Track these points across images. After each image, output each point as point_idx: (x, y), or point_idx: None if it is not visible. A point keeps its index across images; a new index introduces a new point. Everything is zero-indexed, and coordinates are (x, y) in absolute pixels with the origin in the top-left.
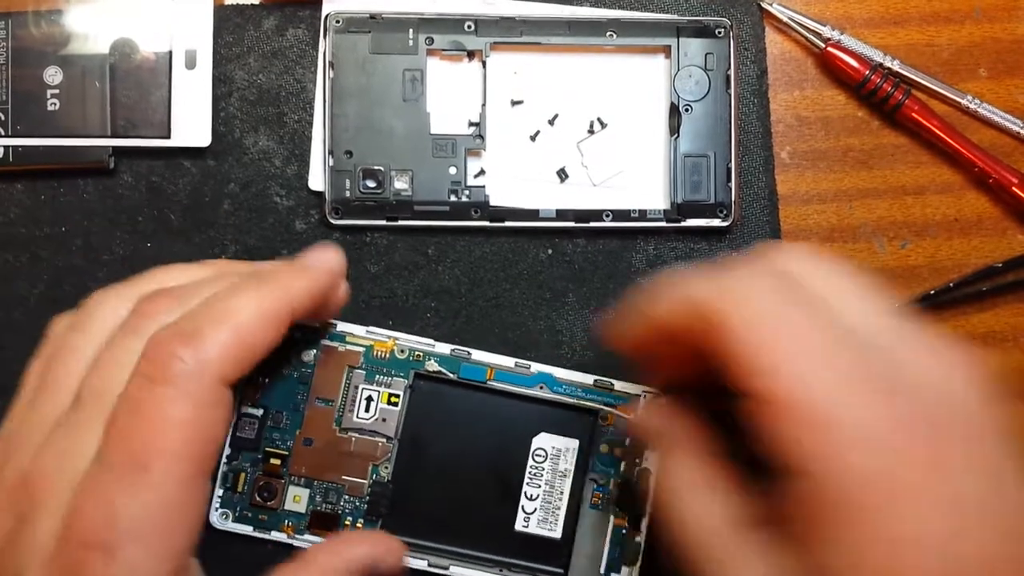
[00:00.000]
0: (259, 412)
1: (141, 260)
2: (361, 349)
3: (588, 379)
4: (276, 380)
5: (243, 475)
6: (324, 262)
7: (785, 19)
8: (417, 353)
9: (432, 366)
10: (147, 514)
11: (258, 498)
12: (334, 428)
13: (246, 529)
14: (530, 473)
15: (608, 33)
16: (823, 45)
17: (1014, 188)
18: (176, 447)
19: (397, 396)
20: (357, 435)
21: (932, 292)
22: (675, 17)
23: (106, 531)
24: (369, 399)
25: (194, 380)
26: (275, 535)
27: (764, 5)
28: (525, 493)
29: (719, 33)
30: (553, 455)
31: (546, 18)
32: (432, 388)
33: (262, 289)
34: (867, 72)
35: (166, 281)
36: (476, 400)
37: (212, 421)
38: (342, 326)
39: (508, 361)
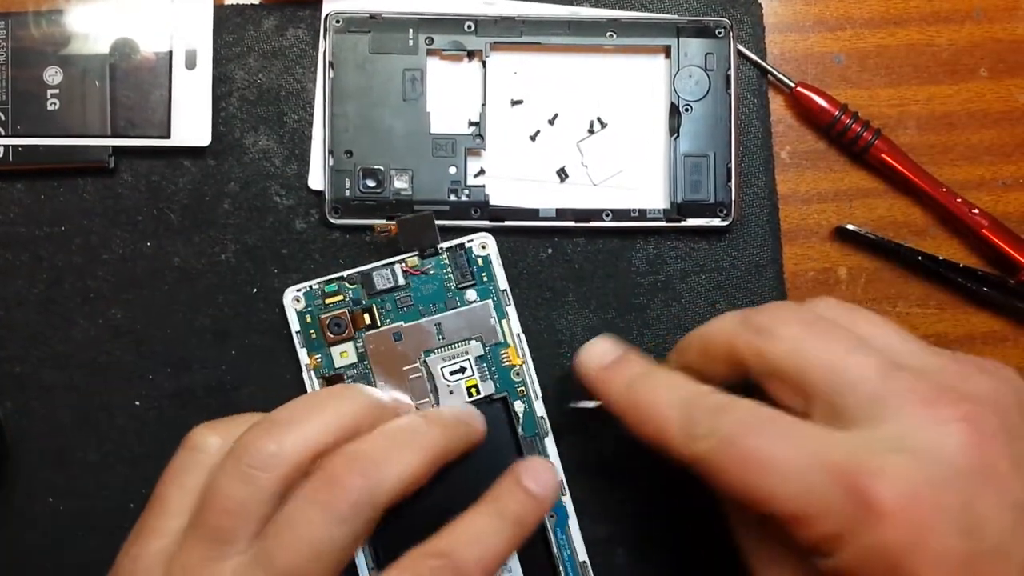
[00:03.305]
0: None
1: (141, 259)
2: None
3: (582, 554)
4: None
5: None
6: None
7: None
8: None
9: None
10: None
11: None
12: None
13: None
14: None
15: (608, 33)
16: (793, 85)
17: (983, 231)
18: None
19: None
20: None
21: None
22: (675, 17)
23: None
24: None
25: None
26: None
27: (740, 47)
28: None
29: (719, 33)
30: None
31: (546, 18)
32: None
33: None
34: (836, 113)
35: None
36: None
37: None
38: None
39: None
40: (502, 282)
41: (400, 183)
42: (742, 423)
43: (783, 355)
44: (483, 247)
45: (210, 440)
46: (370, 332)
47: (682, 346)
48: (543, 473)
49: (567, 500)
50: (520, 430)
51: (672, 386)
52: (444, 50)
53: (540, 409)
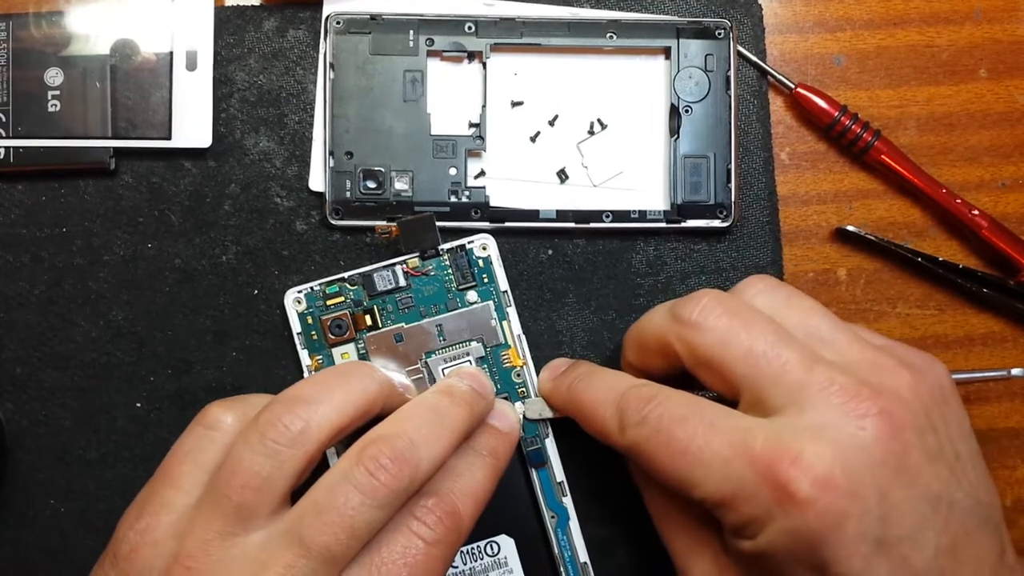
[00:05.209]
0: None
1: (142, 261)
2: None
3: (583, 554)
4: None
5: None
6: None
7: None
8: None
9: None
10: None
11: None
12: None
13: None
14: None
15: (608, 34)
16: (793, 86)
17: (983, 232)
18: None
19: None
20: None
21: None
22: (675, 18)
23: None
24: None
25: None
26: None
27: (740, 48)
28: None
29: (719, 34)
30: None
31: (546, 19)
32: None
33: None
34: (836, 114)
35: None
36: None
37: None
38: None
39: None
40: (503, 283)
41: (401, 184)
42: (669, 412)
43: (710, 347)
44: (484, 248)
45: (226, 418)
46: (371, 333)
47: (623, 343)
48: (505, 411)
49: (568, 501)
50: (521, 431)
51: (609, 382)
52: (444, 51)
53: None
